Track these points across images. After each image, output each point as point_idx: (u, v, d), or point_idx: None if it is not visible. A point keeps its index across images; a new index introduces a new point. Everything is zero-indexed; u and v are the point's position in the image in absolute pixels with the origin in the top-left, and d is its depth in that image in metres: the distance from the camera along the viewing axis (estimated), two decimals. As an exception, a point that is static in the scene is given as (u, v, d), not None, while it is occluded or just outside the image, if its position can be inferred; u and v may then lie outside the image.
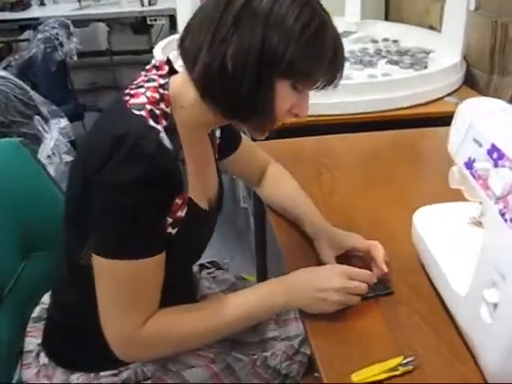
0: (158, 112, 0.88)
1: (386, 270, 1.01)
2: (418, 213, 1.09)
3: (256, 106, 0.87)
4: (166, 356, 1.01)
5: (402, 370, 0.85)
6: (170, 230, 0.92)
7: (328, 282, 0.92)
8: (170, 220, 0.91)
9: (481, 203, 0.97)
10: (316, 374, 0.97)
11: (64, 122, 2.30)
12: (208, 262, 1.37)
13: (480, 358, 0.82)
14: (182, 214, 0.92)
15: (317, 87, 0.91)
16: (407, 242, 1.10)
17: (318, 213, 1.15)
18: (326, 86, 0.92)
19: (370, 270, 1.00)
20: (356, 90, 1.75)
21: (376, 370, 0.85)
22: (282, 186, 1.23)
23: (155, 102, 0.89)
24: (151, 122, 0.86)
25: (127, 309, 0.89)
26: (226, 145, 1.16)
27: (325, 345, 0.91)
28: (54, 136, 2.18)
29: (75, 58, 3.35)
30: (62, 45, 3.29)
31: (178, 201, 0.90)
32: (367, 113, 1.76)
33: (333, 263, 1.03)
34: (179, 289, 1.06)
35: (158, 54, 2.22)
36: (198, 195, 0.97)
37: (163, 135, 0.86)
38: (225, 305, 0.93)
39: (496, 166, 0.79)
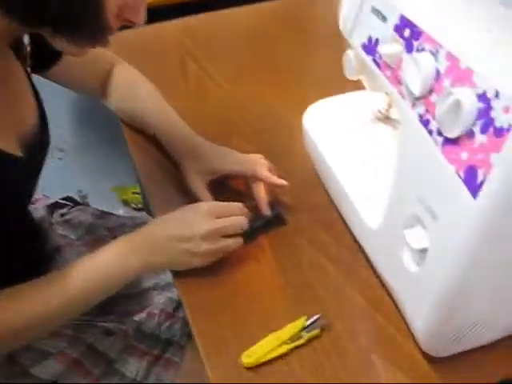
0: None
1: (284, 182, 0.79)
2: (310, 111, 0.84)
3: (71, 5, 0.57)
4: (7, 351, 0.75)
5: (307, 336, 0.64)
6: None
7: (191, 228, 0.68)
8: None
9: (387, 93, 0.73)
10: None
11: None
12: (62, 199, 1.08)
13: (406, 313, 0.63)
14: None
15: None
16: (302, 149, 0.86)
17: (182, 123, 0.87)
18: None
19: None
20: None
21: (272, 343, 0.64)
22: (131, 92, 0.92)
23: None
24: None
25: None
26: (45, 52, 0.82)
27: (201, 310, 0.69)
28: None
29: None
30: None
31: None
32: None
33: (203, 193, 0.78)
34: (18, 251, 0.79)
35: None
36: (1, 136, 0.66)
37: None
38: (64, 280, 0.68)
39: (410, 49, 0.53)
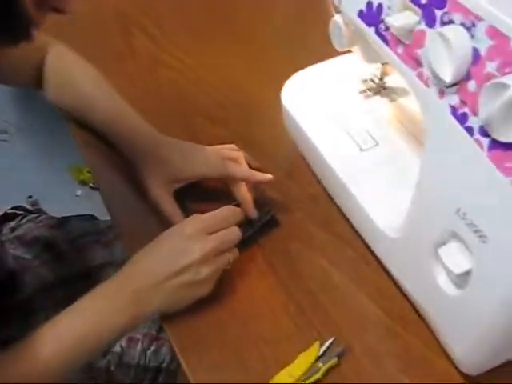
0: None
1: (268, 177, 0.67)
2: (288, 85, 0.72)
3: None
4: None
5: (324, 367, 0.54)
6: None
7: (184, 256, 0.55)
8: None
9: (384, 64, 0.61)
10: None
11: None
12: (11, 209, 0.94)
13: (439, 334, 0.53)
14: None
15: None
16: (283, 130, 0.74)
17: (136, 117, 0.72)
18: None
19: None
20: None
21: (285, 381, 0.54)
22: (69, 83, 0.76)
23: None
24: None
25: None
26: None
27: (192, 348, 0.58)
28: None
29: None
30: None
31: None
32: None
33: (171, 208, 0.66)
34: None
35: None
36: None
37: None
38: (32, 354, 0.54)
39: (430, 21, 0.41)
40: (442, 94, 0.41)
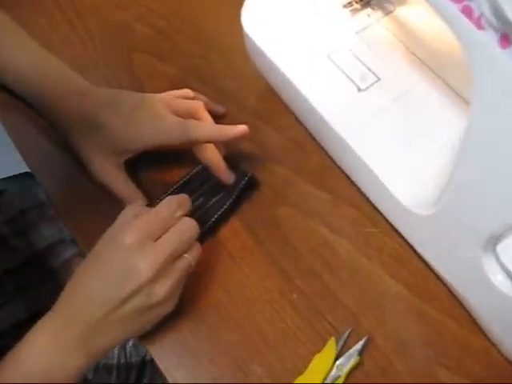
0: None
1: (242, 129, 0.51)
2: (250, 3, 0.55)
3: None
4: None
5: (345, 370, 0.45)
6: None
7: (128, 278, 0.41)
8: None
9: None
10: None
11: None
12: None
13: (485, 325, 0.44)
14: None
15: None
16: (247, 61, 0.59)
17: (53, 62, 0.56)
18: None
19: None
20: None
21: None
22: None
23: None
24: None
25: None
26: None
27: (179, 365, 0.47)
28: None
29: None
30: None
31: None
32: None
33: (126, 187, 0.52)
34: None
35: None
36: None
37: None
38: None
39: None
40: (505, 40, 0.28)
